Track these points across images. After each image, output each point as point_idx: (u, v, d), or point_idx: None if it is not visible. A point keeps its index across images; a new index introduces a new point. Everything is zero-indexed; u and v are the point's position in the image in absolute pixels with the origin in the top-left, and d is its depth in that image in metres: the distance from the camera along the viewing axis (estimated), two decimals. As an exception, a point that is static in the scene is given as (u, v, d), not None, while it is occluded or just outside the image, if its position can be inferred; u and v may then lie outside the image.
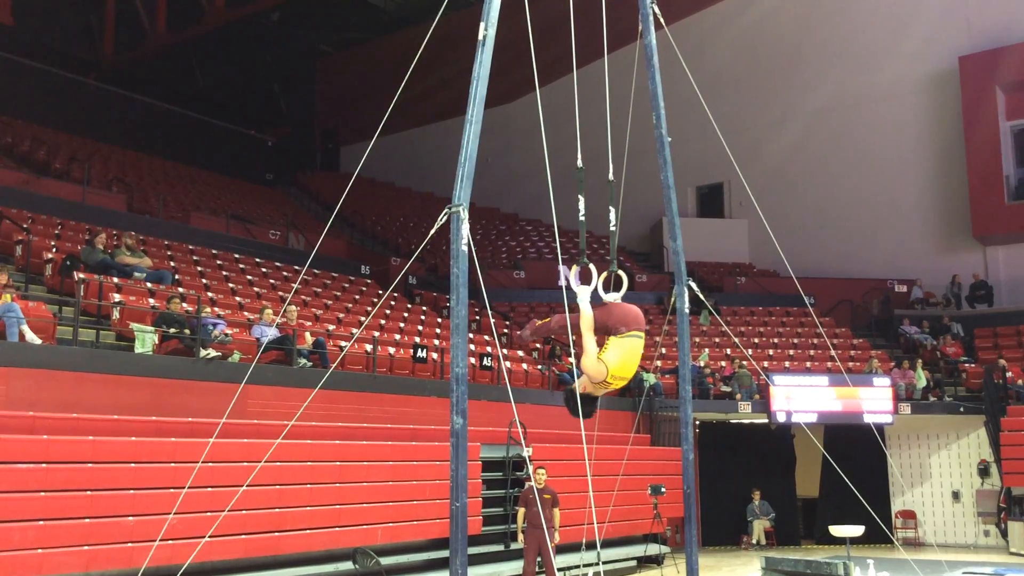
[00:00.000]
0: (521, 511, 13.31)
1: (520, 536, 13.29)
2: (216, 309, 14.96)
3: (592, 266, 6.83)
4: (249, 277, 18.61)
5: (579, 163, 7.14)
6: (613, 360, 6.39)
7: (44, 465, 9.57)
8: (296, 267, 20.23)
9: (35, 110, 27.11)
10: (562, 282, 6.71)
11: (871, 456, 19.40)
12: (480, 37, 6.52)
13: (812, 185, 28.67)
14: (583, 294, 6.56)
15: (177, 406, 11.85)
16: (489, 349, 18.24)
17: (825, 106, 28.59)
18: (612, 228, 7.22)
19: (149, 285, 14.72)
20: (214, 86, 36.59)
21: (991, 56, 25.66)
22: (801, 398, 20.37)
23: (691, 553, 8.85)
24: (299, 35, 37.95)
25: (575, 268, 6.84)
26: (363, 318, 17.60)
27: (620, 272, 7.02)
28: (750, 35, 30.18)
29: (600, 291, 6.88)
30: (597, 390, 6.62)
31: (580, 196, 7.06)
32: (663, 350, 22.01)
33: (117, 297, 13.50)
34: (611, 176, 7.42)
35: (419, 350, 16.47)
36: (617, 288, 6.99)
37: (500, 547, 14.72)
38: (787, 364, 22.59)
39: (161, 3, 31.41)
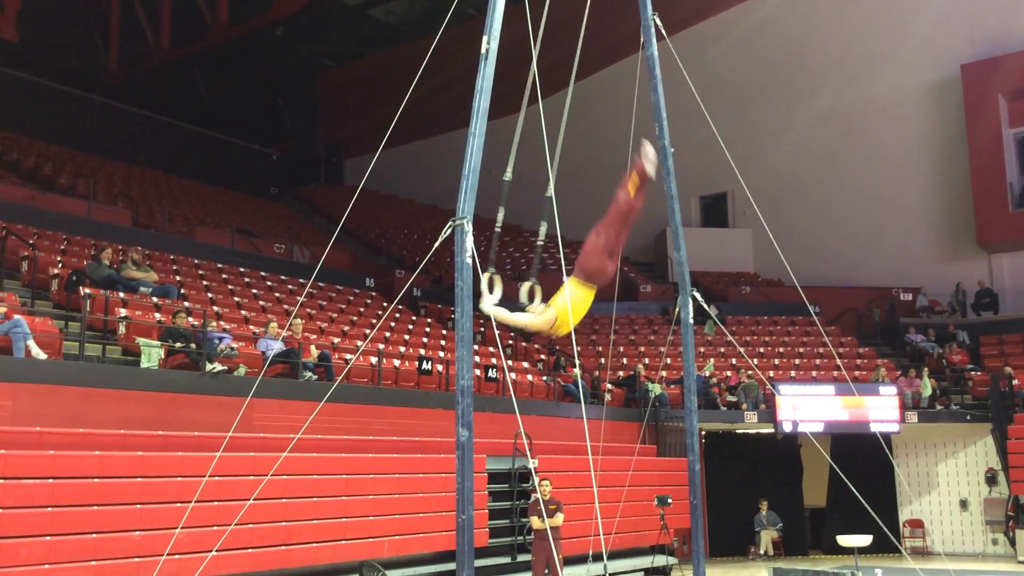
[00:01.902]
0: (534, 519, 13.25)
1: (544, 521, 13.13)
2: (222, 323, 14.98)
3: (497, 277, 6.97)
4: (254, 291, 18.65)
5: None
6: (562, 307, 6.78)
7: (51, 480, 9.59)
8: (301, 280, 20.27)
9: (40, 126, 27.25)
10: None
11: (878, 465, 19.33)
12: (483, 50, 6.56)
13: (815, 193, 28.67)
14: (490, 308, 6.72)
15: (183, 420, 11.86)
16: (494, 361, 18.24)
17: (827, 114, 28.61)
18: (539, 242, 7.45)
19: (155, 300, 14.75)
20: (218, 100, 36.75)
21: (993, 64, 25.68)
22: (807, 407, 20.32)
23: (698, 564, 8.84)
24: (302, 49, 38.11)
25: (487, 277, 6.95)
26: (368, 331, 17.61)
27: (497, 277, 7.00)
28: (751, 43, 30.23)
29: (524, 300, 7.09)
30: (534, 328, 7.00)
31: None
32: (668, 360, 22.00)
33: (123, 312, 13.53)
34: (550, 192, 7.50)
35: (424, 362, 16.48)
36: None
37: (507, 559, 14.69)
38: (793, 373, 22.55)
39: (165, 19, 31.60)
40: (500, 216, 7.27)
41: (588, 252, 6.88)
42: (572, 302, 6.79)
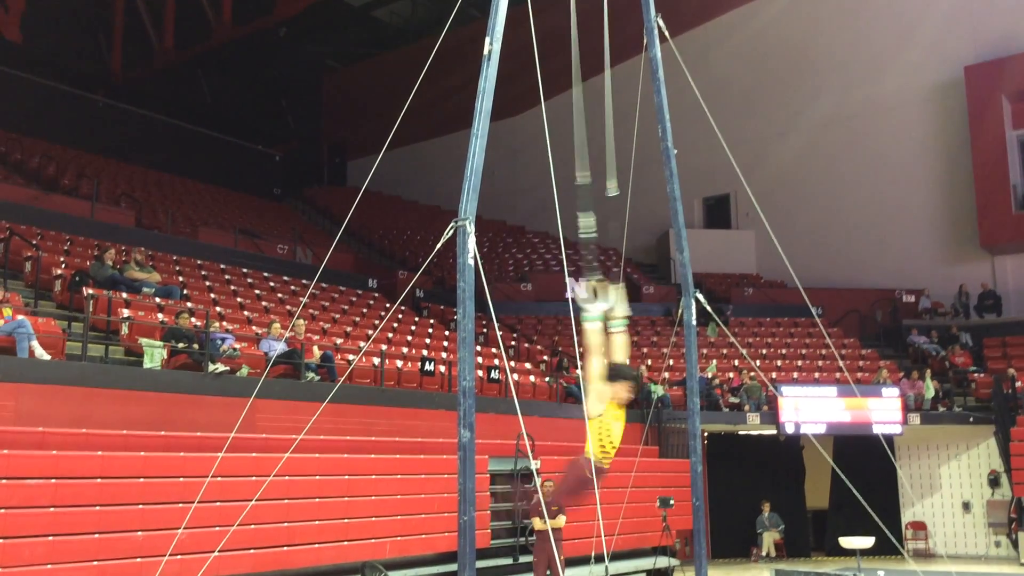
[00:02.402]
0: (536, 520, 13.23)
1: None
2: (224, 324, 15.00)
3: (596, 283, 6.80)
4: (257, 291, 18.66)
5: (581, 178, 7.16)
6: (612, 428, 6.35)
7: (53, 480, 9.60)
8: (304, 281, 20.28)
9: (44, 127, 27.26)
10: (569, 294, 6.72)
11: (880, 467, 19.30)
12: (485, 52, 6.55)
13: (819, 195, 28.67)
14: (593, 309, 6.43)
15: (186, 421, 11.87)
16: (496, 362, 18.25)
17: (831, 116, 28.61)
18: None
19: (158, 300, 14.77)
20: (222, 101, 36.80)
21: (996, 65, 25.67)
22: (810, 409, 20.31)
23: (700, 566, 8.82)
24: (306, 50, 38.16)
25: (582, 282, 6.84)
26: (370, 331, 17.62)
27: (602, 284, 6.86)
28: (755, 45, 30.23)
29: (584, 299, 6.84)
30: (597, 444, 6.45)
31: (582, 214, 7.09)
32: (671, 361, 21.98)
33: (126, 312, 13.55)
34: (612, 191, 7.41)
35: (426, 363, 16.49)
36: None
37: (509, 560, 14.68)
38: (795, 375, 22.53)
39: (169, 20, 31.66)
40: (587, 220, 7.08)
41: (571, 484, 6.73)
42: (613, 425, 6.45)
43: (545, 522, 12.66)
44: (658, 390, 19.96)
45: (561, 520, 13.06)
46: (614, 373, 6.32)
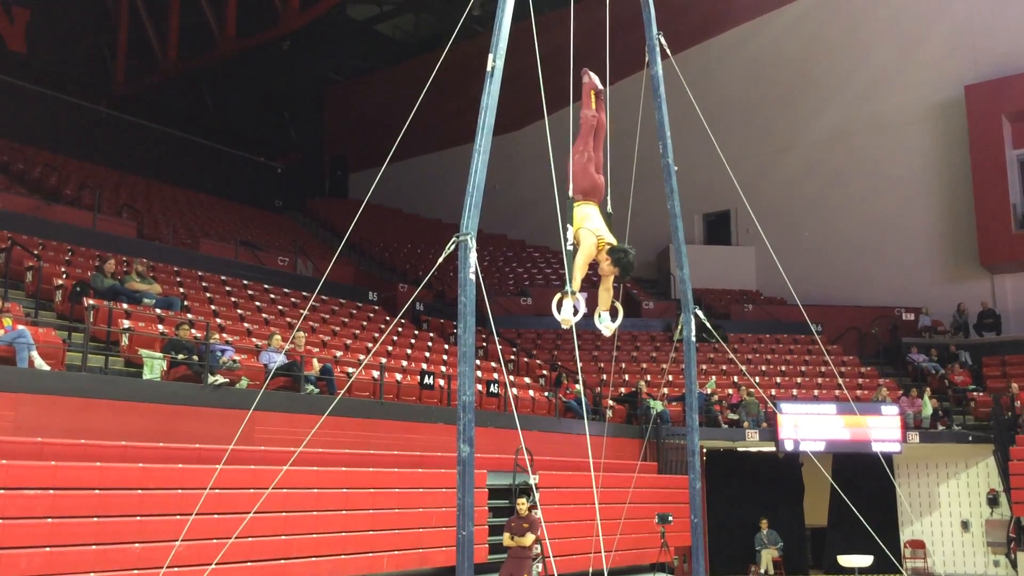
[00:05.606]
0: (505, 536, 13.17)
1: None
2: (224, 335, 14.99)
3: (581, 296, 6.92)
4: (257, 303, 18.67)
5: (570, 192, 7.20)
6: (583, 222, 6.93)
7: (51, 491, 9.60)
8: (304, 293, 20.29)
9: (47, 137, 27.34)
10: (557, 315, 6.76)
11: (879, 485, 19.25)
12: (488, 68, 6.59)
13: (819, 212, 28.72)
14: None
15: (185, 432, 11.86)
16: (496, 376, 18.23)
17: (832, 134, 28.68)
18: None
19: (158, 311, 14.77)
20: (224, 113, 36.88)
21: (997, 85, 25.76)
22: (809, 426, 20.28)
23: (698, 582, 8.81)
24: (309, 63, 38.29)
25: (557, 297, 6.85)
26: (370, 344, 17.62)
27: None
28: (757, 63, 30.35)
29: (597, 322, 7.07)
30: (605, 281, 7.00)
31: (569, 225, 7.13)
32: (670, 377, 21.98)
33: (126, 323, 13.55)
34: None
35: (426, 377, 16.48)
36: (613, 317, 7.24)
37: (506, 575, 14.64)
38: (794, 392, 22.52)
39: (173, 32, 31.71)
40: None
41: (577, 172, 7.16)
42: (583, 215, 7.01)
43: (513, 539, 12.71)
44: (657, 406, 19.95)
45: (529, 538, 12.98)
46: (618, 253, 6.87)
